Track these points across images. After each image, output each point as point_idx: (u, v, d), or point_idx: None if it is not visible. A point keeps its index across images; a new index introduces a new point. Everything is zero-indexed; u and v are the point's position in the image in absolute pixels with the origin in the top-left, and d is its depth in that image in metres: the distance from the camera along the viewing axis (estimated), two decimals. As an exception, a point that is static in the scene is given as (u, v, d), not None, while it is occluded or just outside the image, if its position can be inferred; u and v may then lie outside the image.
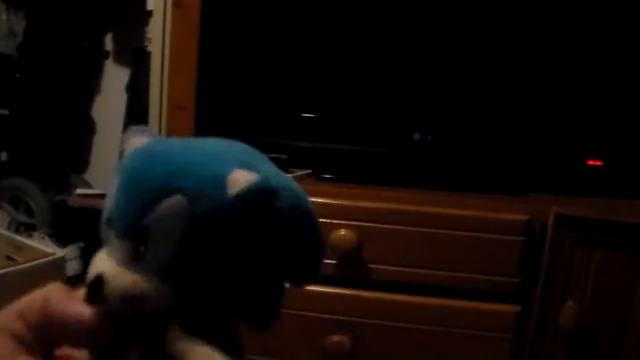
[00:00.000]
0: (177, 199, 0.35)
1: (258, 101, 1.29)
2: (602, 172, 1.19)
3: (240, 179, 0.35)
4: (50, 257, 1.34)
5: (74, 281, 2.18)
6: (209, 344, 0.35)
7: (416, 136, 1.20)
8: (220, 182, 0.35)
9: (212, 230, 0.35)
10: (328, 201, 1.08)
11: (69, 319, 0.37)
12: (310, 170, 1.28)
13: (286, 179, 0.39)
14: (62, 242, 2.23)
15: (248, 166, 0.36)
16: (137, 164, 0.39)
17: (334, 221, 1.07)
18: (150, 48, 1.92)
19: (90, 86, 2.68)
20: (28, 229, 2.44)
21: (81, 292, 0.40)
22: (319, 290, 1.10)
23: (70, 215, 2.39)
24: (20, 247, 1.42)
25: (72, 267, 2.22)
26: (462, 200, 1.07)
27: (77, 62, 2.57)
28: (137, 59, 2.48)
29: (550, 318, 1.01)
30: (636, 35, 1.14)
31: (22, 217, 2.49)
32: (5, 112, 2.47)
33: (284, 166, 1.20)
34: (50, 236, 2.25)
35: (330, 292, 1.09)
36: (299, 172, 1.22)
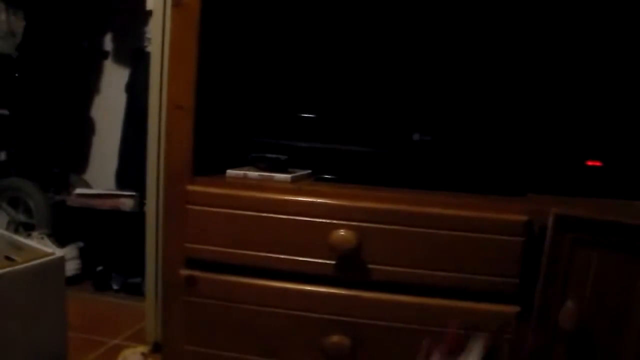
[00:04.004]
0: None
1: (258, 101, 1.29)
2: (601, 172, 1.19)
3: None
4: (49, 257, 1.33)
5: (72, 281, 2.18)
6: None
7: (416, 137, 1.20)
8: None
9: None
10: (328, 201, 1.08)
11: None
12: (310, 171, 1.28)
13: None
14: (61, 242, 2.24)
15: None
16: None
17: (334, 221, 1.08)
18: (149, 48, 1.92)
19: (90, 86, 2.69)
20: (27, 228, 2.44)
21: None
22: (319, 291, 1.10)
23: (69, 215, 2.40)
24: (19, 247, 1.41)
25: (70, 267, 2.22)
26: (462, 201, 1.07)
27: (77, 62, 2.57)
28: (136, 59, 2.49)
29: (550, 318, 1.01)
30: (635, 36, 1.14)
31: (21, 217, 2.50)
32: (5, 112, 2.48)
33: (284, 166, 1.20)
34: (49, 236, 2.25)
35: (330, 292, 1.10)
36: (299, 173, 1.22)
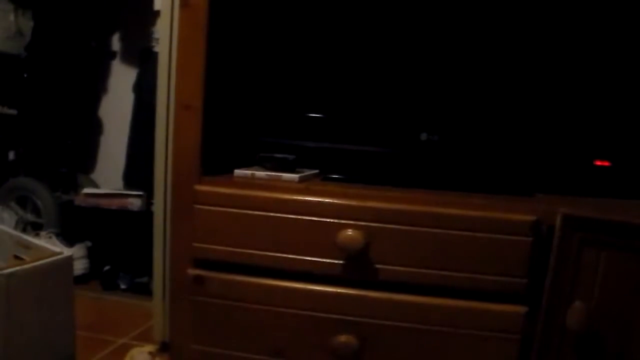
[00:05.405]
0: None
1: (265, 101, 1.29)
2: (610, 172, 1.19)
3: None
4: (58, 257, 1.34)
5: (79, 281, 2.19)
6: None
7: (423, 136, 1.20)
8: None
9: None
10: (335, 201, 1.08)
11: None
12: (317, 171, 1.28)
13: None
14: (69, 242, 2.25)
15: None
16: None
17: (342, 221, 1.08)
18: (157, 48, 1.93)
19: (98, 86, 2.70)
20: (35, 228, 2.45)
21: None
22: (326, 290, 1.10)
23: (77, 214, 2.41)
24: (27, 246, 1.42)
25: (78, 267, 2.23)
26: (469, 201, 1.07)
27: (85, 62, 2.58)
28: (144, 59, 2.49)
29: (558, 319, 1.01)
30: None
31: (30, 217, 2.51)
32: (14, 112, 2.49)
33: (292, 166, 1.20)
34: (57, 235, 2.26)
35: (338, 292, 1.10)
36: (307, 172, 1.22)
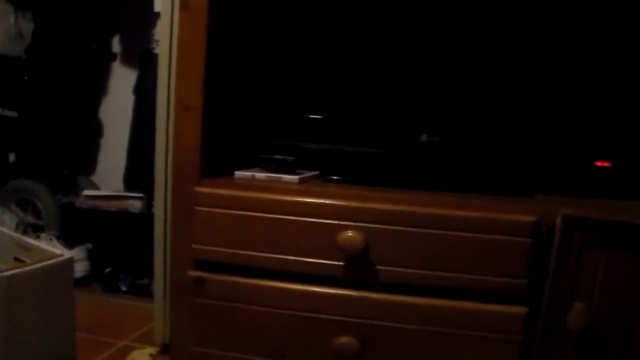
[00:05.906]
0: None
1: (265, 102, 1.29)
2: (610, 173, 1.19)
3: None
4: (58, 259, 1.34)
5: (80, 283, 2.19)
6: None
7: (424, 138, 1.20)
8: None
9: None
10: (336, 202, 1.08)
11: None
12: (318, 172, 1.28)
13: None
14: (69, 244, 2.25)
15: None
16: None
17: (342, 222, 1.08)
18: (157, 50, 1.93)
19: (98, 88, 2.70)
20: (36, 230, 2.45)
21: None
22: (327, 292, 1.10)
23: (77, 216, 2.41)
24: (28, 249, 1.42)
25: (79, 269, 2.23)
26: (469, 202, 1.07)
27: (85, 64, 2.58)
28: (144, 61, 2.50)
29: (558, 319, 1.01)
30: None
31: (30, 219, 2.51)
32: (14, 114, 2.49)
33: (292, 168, 1.20)
34: (58, 237, 2.26)
35: (338, 294, 1.10)
36: (307, 174, 1.22)
